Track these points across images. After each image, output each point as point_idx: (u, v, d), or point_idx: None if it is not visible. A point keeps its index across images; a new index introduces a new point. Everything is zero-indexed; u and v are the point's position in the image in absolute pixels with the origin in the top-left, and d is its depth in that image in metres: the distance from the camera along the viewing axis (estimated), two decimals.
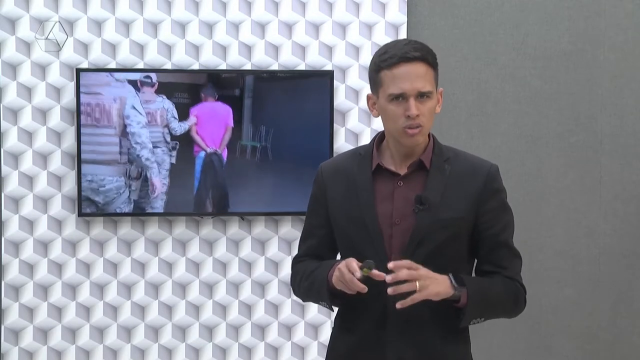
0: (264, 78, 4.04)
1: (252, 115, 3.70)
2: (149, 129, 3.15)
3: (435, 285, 2.22)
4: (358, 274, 2.18)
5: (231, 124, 3.81)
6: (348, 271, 2.20)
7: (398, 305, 2.20)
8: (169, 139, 3.41)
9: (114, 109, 3.19)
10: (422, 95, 2.27)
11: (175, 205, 3.32)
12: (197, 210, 3.86)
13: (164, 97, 3.54)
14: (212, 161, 3.54)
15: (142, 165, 3.41)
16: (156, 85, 3.35)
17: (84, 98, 3.11)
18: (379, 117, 2.38)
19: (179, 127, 3.37)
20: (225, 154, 3.60)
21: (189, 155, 3.51)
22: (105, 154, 3.28)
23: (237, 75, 4.00)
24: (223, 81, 3.95)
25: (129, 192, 3.35)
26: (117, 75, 3.38)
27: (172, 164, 3.37)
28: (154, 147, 3.20)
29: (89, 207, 3.12)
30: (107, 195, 3.16)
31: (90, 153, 3.14)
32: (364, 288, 2.20)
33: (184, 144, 3.59)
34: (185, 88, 3.48)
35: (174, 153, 3.35)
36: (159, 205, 3.42)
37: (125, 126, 3.29)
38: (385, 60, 2.28)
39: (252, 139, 3.64)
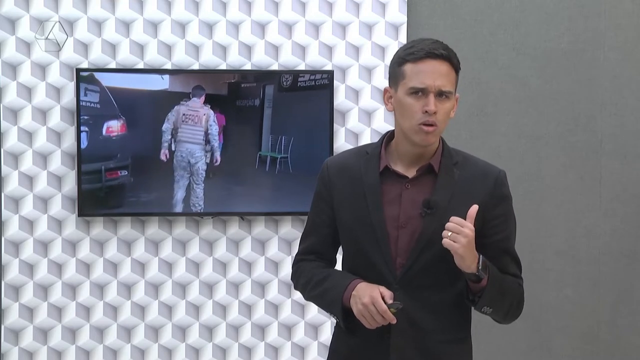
0: (265, 82, 4.06)
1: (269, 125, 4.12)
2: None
3: (464, 248, 2.20)
4: (389, 314, 2.23)
5: (223, 122, 4.05)
6: (376, 310, 2.23)
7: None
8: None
9: (202, 119, 3.99)
10: (441, 94, 2.26)
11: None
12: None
13: (209, 107, 4.05)
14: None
15: (214, 147, 4.02)
16: (203, 97, 4.03)
17: (183, 109, 4.01)
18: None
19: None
20: (221, 137, 4.06)
21: None
22: (195, 137, 4.00)
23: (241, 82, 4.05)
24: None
25: (206, 156, 4.02)
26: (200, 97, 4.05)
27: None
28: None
29: (181, 170, 4.03)
30: (196, 159, 3.99)
31: (186, 135, 4.01)
32: (394, 320, 2.23)
33: None
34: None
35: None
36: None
37: (208, 129, 4.04)
38: (412, 54, 2.27)
39: (272, 150, 4.09)
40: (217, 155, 4.00)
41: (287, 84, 4.06)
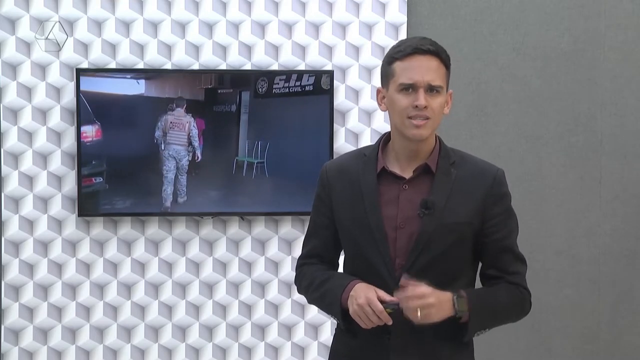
0: (265, 78, 4.06)
1: (248, 125, 4.12)
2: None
3: (438, 311, 2.22)
4: (385, 315, 2.23)
5: (203, 126, 4.09)
6: (372, 311, 2.23)
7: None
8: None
9: (186, 125, 4.07)
10: (432, 89, 2.27)
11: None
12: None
13: (191, 115, 4.10)
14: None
15: (195, 146, 4.09)
16: (184, 107, 4.08)
17: (170, 118, 4.08)
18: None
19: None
20: (201, 140, 4.13)
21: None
22: (180, 139, 4.07)
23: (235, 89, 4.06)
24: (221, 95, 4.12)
25: (189, 155, 4.08)
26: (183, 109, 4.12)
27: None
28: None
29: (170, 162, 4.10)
30: (180, 157, 4.06)
31: (174, 139, 4.09)
32: (389, 320, 2.24)
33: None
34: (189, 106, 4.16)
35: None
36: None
37: (190, 132, 4.12)
38: (400, 51, 2.29)
39: (248, 155, 4.09)
40: (198, 152, 4.07)
41: (282, 84, 4.07)
